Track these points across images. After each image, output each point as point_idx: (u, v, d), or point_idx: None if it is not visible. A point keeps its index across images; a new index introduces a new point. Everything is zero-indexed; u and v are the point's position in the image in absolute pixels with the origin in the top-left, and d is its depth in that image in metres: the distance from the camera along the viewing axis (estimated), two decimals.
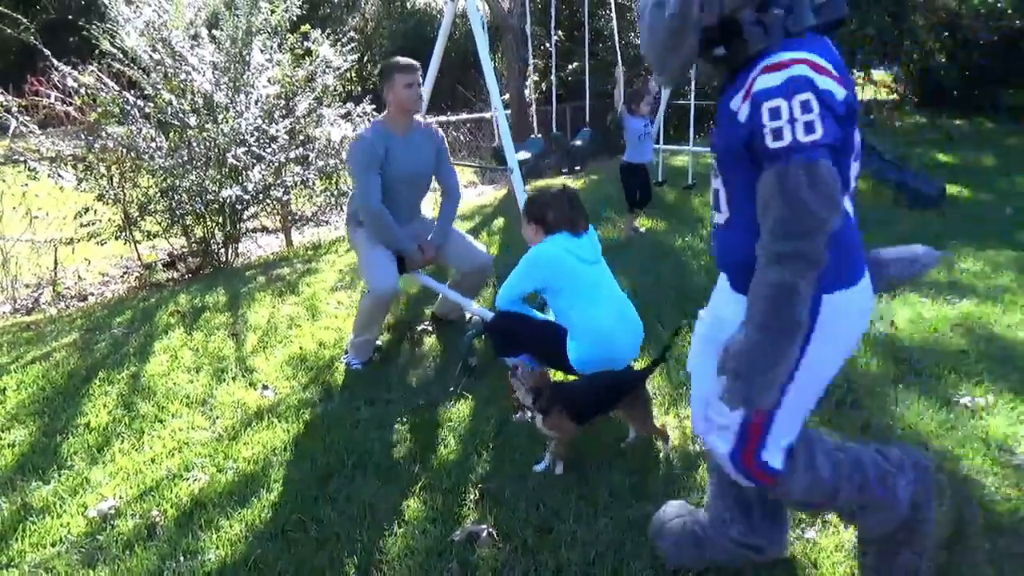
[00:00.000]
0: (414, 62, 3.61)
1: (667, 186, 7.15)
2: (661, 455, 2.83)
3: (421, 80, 3.62)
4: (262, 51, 6.37)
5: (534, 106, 6.99)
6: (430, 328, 4.17)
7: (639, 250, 5.56)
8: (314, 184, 6.70)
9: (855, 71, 16.41)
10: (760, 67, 1.57)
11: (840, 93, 1.54)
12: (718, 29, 1.63)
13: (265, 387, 3.58)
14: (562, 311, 3.02)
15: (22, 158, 5.37)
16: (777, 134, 1.51)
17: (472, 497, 2.63)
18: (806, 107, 1.50)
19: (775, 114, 1.51)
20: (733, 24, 1.61)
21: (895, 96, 15.89)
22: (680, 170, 8.26)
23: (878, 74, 17.18)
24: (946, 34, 13.60)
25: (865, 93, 16.69)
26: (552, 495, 2.59)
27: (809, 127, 1.49)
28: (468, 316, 4.15)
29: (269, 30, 6.48)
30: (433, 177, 3.86)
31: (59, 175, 5.45)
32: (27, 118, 5.43)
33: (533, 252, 3.04)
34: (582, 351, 2.94)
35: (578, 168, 6.63)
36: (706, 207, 6.93)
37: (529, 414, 2.78)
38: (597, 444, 2.88)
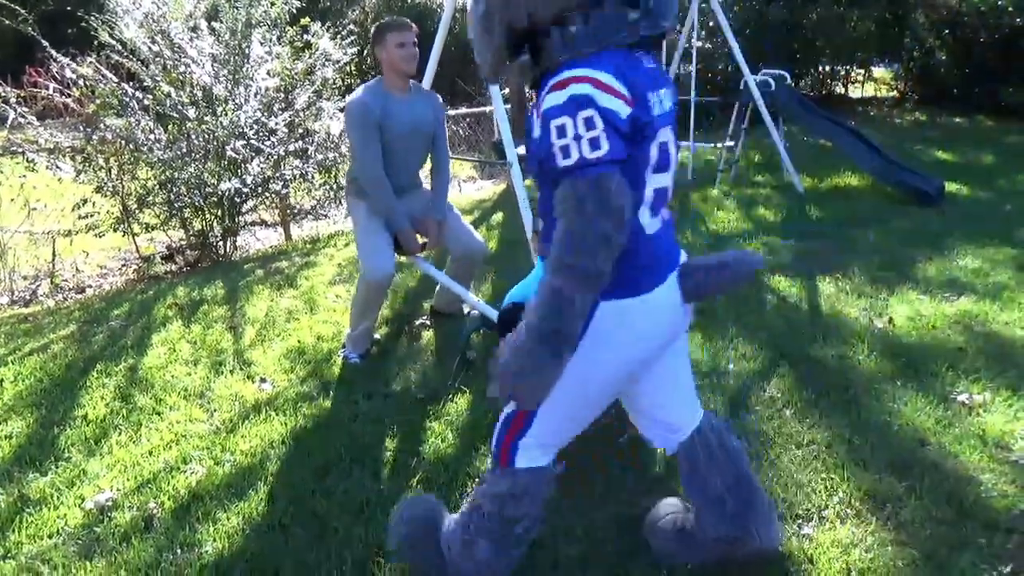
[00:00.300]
0: (406, 19, 3.53)
1: None
2: (660, 450, 2.83)
3: (416, 40, 3.49)
4: (261, 44, 6.35)
5: (534, 101, 6.98)
6: (428, 322, 4.17)
7: None
8: (313, 178, 6.69)
9: (855, 68, 16.44)
10: (548, 86, 1.59)
11: (624, 111, 1.55)
12: (523, 35, 1.66)
13: (263, 380, 3.58)
14: None
15: (20, 149, 5.36)
16: (565, 152, 1.53)
17: (469, 491, 2.63)
18: (589, 124, 1.51)
19: (561, 132, 1.53)
20: (535, 33, 1.65)
21: (895, 93, 15.88)
22: (680, 167, 8.26)
23: (878, 71, 17.18)
24: (947, 32, 13.58)
25: (865, 90, 16.69)
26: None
27: (594, 143, 1.51)
28: (467, 310, 4.15)
29: (269, 23, 6.46)
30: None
31: (57, 166, 5.43)
32: (25, 109, 5.41)
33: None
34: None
35: None
36: (705, 203, 6.93)
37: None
38: (594, 437, 2.88)
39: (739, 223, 6.18)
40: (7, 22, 6.01)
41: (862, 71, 16.76)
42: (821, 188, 7.42)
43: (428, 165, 3.84)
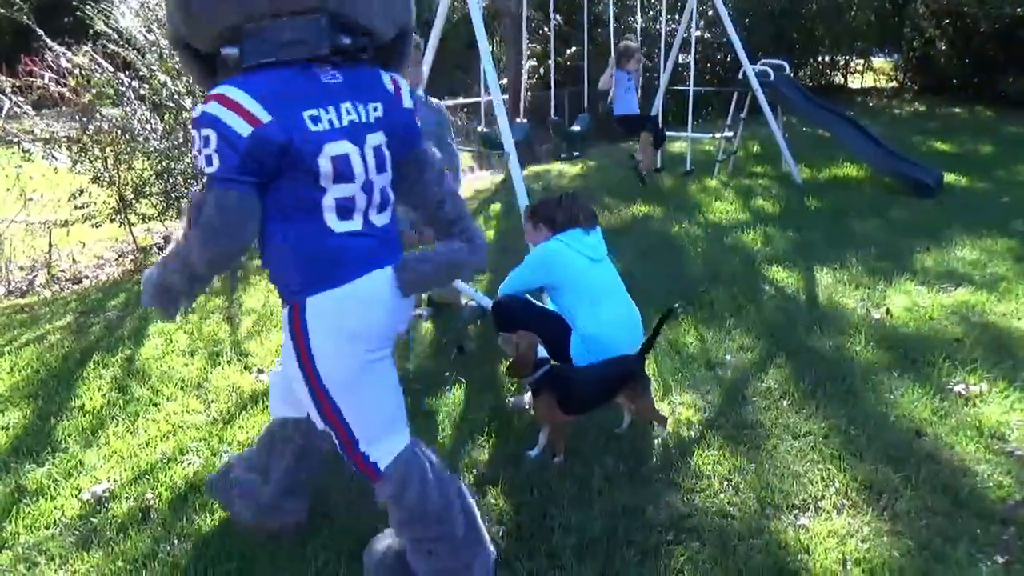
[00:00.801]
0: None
1: (665, 172, 7.14)
2: (657, 441, 2.84)
3: (421, 52, 3.51)
4: None
5: (527, 91, 6.95)
6: (425, 313, 4.17)
7: (636, 236, 5.55)
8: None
9: (854, 58, 16.39)
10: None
11: (245, 130, 1.62)
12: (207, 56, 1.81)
13: (260, 371, 3.57)
14: (565, 308, 3.00)
15: (16, 139, 5.34)
16: (196, 162, 1.69)
17: (467, 481, 2.63)
18: (206, 142, 1.63)
19: (194, 144, 1.68)
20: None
21: (895, 84, 15.84)
22: (678, 156, 8.24)
23: (878, 61, 17.14)
24: (947, 22, 13.54)
25: (865, 80, 16.65)
26: (546, 480, 2.59)
27: (208, 160, 1.63)
28: (464, 301, 4.15)
29: None
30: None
31: (53, 156, 5.41)
32: (21, 99, 5.38)
33: (541, 249, 3.02)
34: (583, 350, 2.93)
35: (576, 154, 6.61)
36: (703, 193, 6.92)
37: (526, 399, 2.78)
38: (591, 428, 2.88)
39: (737, 213, 6.17)
40: (2, 11, 5.97)
41: (861, 61, 16.72)
42: (819, 179, 7.41)
43: None
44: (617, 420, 2.90)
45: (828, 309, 4.05)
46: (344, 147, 1.76)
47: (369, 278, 1.84)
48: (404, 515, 1.98)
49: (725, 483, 2.58)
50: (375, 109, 1.86)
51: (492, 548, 2.12)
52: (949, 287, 4.30)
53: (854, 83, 16.57)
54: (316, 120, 1.71)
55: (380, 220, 1.90)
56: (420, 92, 3.69)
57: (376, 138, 1.85)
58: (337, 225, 1.79)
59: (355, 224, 1.83)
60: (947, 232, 5.36)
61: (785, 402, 3.10)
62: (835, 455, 2.71)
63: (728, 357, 3.51)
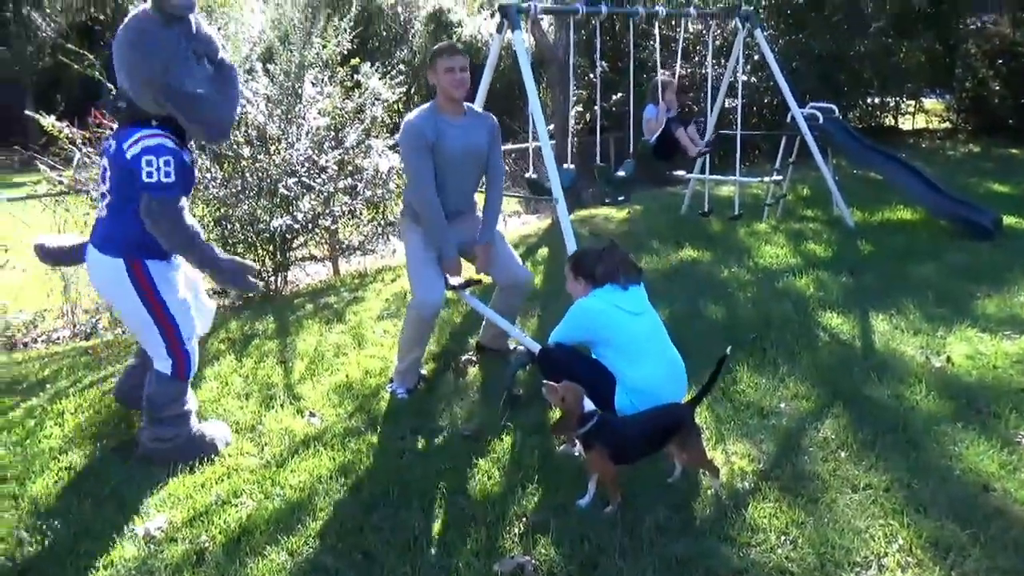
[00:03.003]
0: (455, 44, 3.60)
1: (713, 216, 7.10)
2: (709, 491, 2.78)
3: (465, 66, 3.52)
4: (313, 84, 6.54)
5: (575, 136, 7.02)
6: (474, 358, 4.18)
7: (684, 281, 5.51)
8: (361, 214, 6.81)
9: (904, 100, 16.18)
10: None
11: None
12: None
13: (312, 415, 3.62)
14: (608, 362, 3.01)
15: (85, 188, 5.57)
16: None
17: (516, 530, 2.61)
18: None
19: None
20: None
21: (948, 124, 15.56)
22: (725, 200, 8.20)
23: (929, 102, 16.88)
24: (1000, 61, 13.32)
25: (916, 122, 16.40)
26: (597, 529, 2.56)
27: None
28: (512, 345, 4.15)
29: (320, 64, 6.65)
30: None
31: None
32: (90, 149, 5.64)
33: (579, 306, 3.06)
34: (628, 402, 2.92)
35: (622, 198, 6.63)
36: (752, 237, 6.86)
37: (576, 447, 2.76)
38: (642, 477, 2.84)
39: (788, 257, 6.10)
40: (75, 67, 6.29)
41: (912, 102, 16.49)
42: (872, 222, 7.28)
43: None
44: (669, 469, 2.86)
45: (886, 356, 3.95)
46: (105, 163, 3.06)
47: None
48: None
49: (782, 537, 2.51)
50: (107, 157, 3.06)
51: None
52: (1013, 334, 4.15)
53: (905, 125, 16.33)
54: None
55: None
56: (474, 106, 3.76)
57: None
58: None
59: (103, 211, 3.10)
60: (1008, 276, 5.20)
61: (843, 453, 3.01)
62: (898, 510, 2.62)
63: (782, 405, 3.44)
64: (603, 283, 3.03)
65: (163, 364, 3.16)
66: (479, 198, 3.93)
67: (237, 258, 3.19)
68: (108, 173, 3.02)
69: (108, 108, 3.19)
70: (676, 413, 2.76)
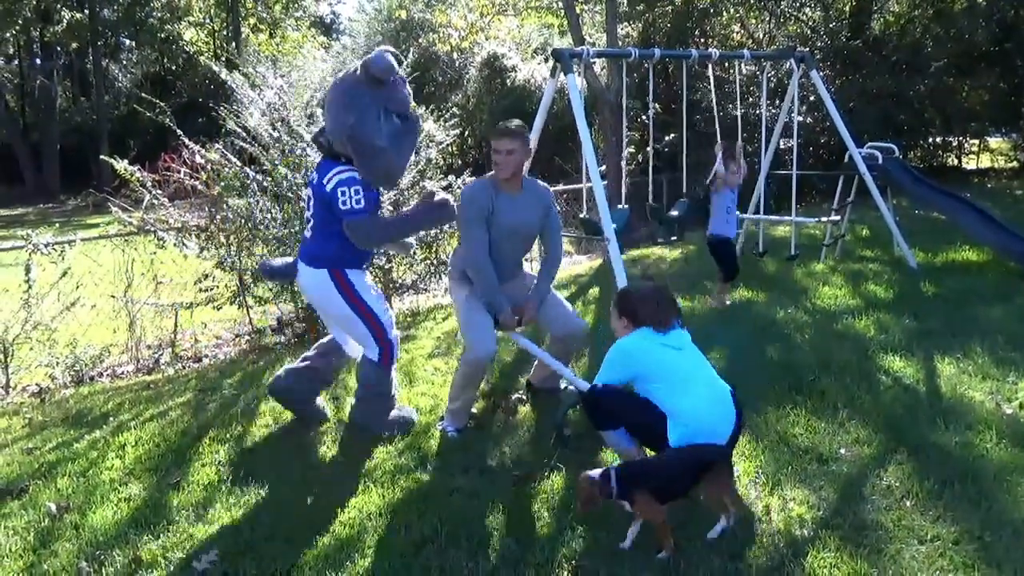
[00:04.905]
0: (508, 125, 3.65)
1: (768, 256, 6.99)
2: (766, 539, 2.69)
3: (520, 142, 3.60)
4: None
5: (627, 177, 7.03)
6: (524, 397, 4.16)
7: (740, 323, 5.41)
8: (415, 253, 6.91)
9: (968, 139, 15.79)
10: None
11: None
12: None
13: (363, 451, 3.64)
14: (657, 399, 2.97)
15: (152, 228, 5.81)
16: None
17: (565, 574, 2.56)
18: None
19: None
20: None
21: (1015, 164, 15.10)
22: (781, 240, 8.07)
23: (995, 142, 16.44)
24: None
25: (981, 161, 15.96)
26: (647, 575, 2.49)
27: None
28: (563, 385, 4.12)
29: None
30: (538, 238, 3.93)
31: (184, 244, 5.85)
32: (159, 192, 5.89)
33: (617, 346, 3.06)
34: (680, 436, 2.86)
35: (675, 239, 6.58)
36: (809, 278, 6.71)
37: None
38: (696, 524, 2.76)
39: (847, 299, 5.94)
40: (148, 113, 6.61)
41: (976, 142, 16.09)
42: (936, 263, 7.06)
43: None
44: (718, 516, 2.78)
45: (952, 402, 3.79)
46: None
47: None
48: None
49: None
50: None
51: None
52: None
53: (969, 164, 15.91)
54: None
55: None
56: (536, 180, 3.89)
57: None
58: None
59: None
60: None
61: (908, 502, 2.88)
62: (968, 564, 2.49)
63: (842, 451, 3.32)
64: (645, 323, 3.01)
65: (372, 352, 3.75)
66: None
67: (422, 206, 3.84)
68: (311, 201, 3.66)
69: (314, 140, 3.79)
70: (710, 449, 2.76)
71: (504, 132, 3.63)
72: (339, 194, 3.47)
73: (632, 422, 3.04)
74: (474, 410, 3.97)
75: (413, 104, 3.74)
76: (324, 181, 3.53)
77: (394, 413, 3.88)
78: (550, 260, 3.93)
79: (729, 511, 2.71)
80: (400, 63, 3.62)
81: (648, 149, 7.37)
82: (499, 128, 3.68)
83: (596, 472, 2.66)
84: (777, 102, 8.89)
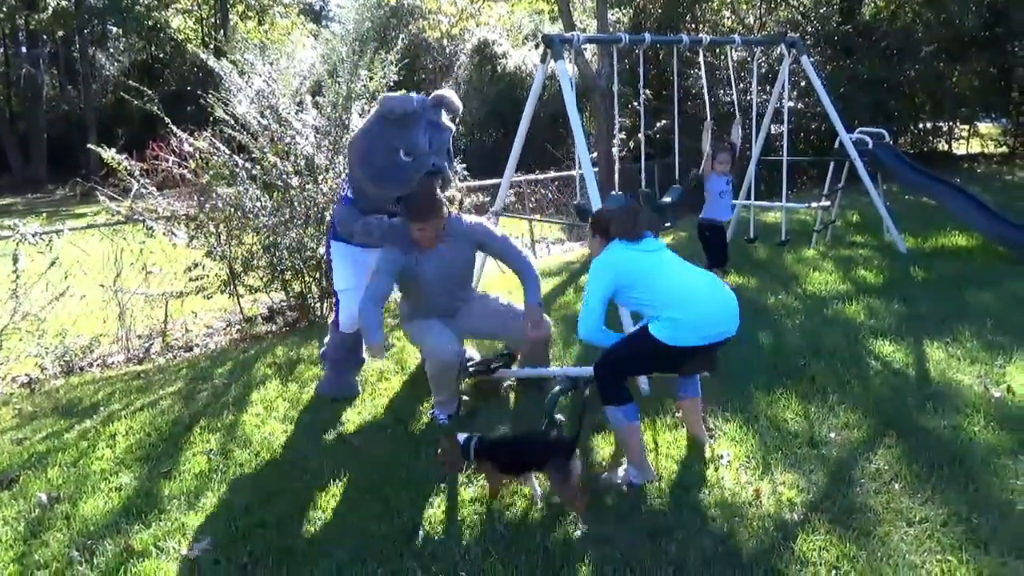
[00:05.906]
0: (423, 207, 3.57)
1: (759, 242, 7.00)
2: (755, 523, 2.70)
3: (432, 221, 3.56)
4: (360, 115, 6.67)
5: (618, 164, 7.02)
6: (516, 384, 4.17)
7: None
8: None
9: (958, 124, 15.82)
10: None
11: None
12: None
13: (355, 439, 3.64)
14: (643, 303, 3.06)
15: (141, 217, 5.76)
16: None
17: (557, 559, 2.57)
18: None
19: None
20: None
21: (1004, 149, 15.16)
22: (772, 226, 8.08)
23: (984, 127, 16.49)
24: None
25: (971, 146, 16.02)
26: (640, 559, 2.51)
27: None
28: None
29: (368, 95, 6.79)
30: (479, 268, 4.00)
31: (173, 233, 5.81)
32: (147, 181, 5.83)
33: (594, 263, 3.15)
34: (669, 323, 2.94)
35: (668, 225, 6.58)
36: (800, 263, 6.73)
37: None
38: (686, 508, 2.78)
39: (837, 284, 5.96)
40: (135, 102, 6.55)
41: (966, 127, 16.14)
42: (925, 248, 7.09)
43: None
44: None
45: (941, 386, 3.81)
46: None
47: None
48: None
49: (833, 571, 2.42)
50: None
51: None
52: None
53: (959, 149, 15.96)
54: None
55: None
56: (465, 216, 3.95)
57: None
58: None
59: None
60: None
61: (897, 485, 2.91)
62: (956, 545, 2.51)
63: (832, 435, 3.34)
64: (617, 237, 3.11)
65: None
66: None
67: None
68: None
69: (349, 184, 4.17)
70: (552, 443, 3.00)
71: (415, 217, 3.56)
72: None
73: (639, 360, 3.14)
74: (465, 397, 3.97)
75: (425, 148, 3.78)
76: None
77: (341, 381, 4.19)
78: (523, 273, 3.84)
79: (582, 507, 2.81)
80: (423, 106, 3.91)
81: (639, 135, 7.35)
82: (415, 209, 3.58)
83: (462, 436, 2.97)
84: (768, 88, 8.88)
